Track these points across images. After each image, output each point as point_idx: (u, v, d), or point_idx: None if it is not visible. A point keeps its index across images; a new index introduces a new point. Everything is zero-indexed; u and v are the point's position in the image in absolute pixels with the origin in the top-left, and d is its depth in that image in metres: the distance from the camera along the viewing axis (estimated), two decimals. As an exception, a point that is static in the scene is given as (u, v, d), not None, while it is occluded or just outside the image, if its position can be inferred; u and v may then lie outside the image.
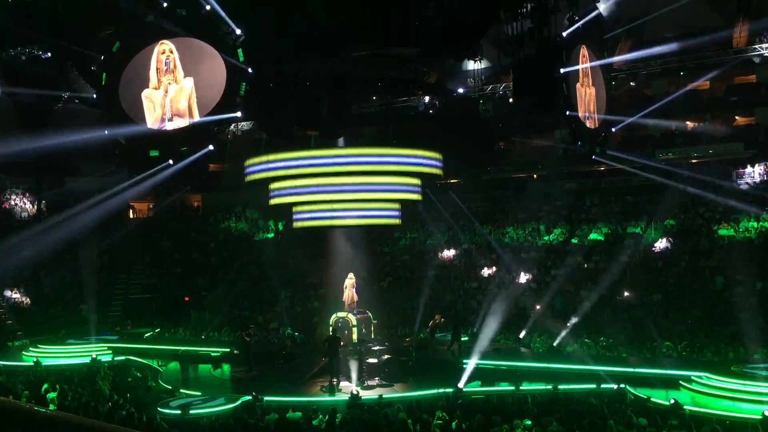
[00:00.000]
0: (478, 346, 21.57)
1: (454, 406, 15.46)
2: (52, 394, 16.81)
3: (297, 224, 22.44)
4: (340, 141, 22.77)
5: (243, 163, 22.34)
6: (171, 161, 20.30)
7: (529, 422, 12.83)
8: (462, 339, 23.55)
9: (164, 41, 20.41)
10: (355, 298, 22.61)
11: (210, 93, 19.85)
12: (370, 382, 19.65)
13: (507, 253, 31.78)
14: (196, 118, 19.74)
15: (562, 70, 21.24)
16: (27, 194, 37.22)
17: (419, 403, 15.52)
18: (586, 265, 29.27)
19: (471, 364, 19.75)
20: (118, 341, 26.78)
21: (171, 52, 20.34)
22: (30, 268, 31.84)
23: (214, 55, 19.52)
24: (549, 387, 17.05)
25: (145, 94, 20.66)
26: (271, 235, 37.55)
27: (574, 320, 25.45)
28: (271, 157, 21.23)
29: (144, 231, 36.65)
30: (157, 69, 20.53)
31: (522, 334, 24.94)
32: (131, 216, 39.59)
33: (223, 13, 19.34)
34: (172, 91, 20.13)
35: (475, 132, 25.96)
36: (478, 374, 19.43)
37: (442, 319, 24.41)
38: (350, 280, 22.65)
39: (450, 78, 34.23)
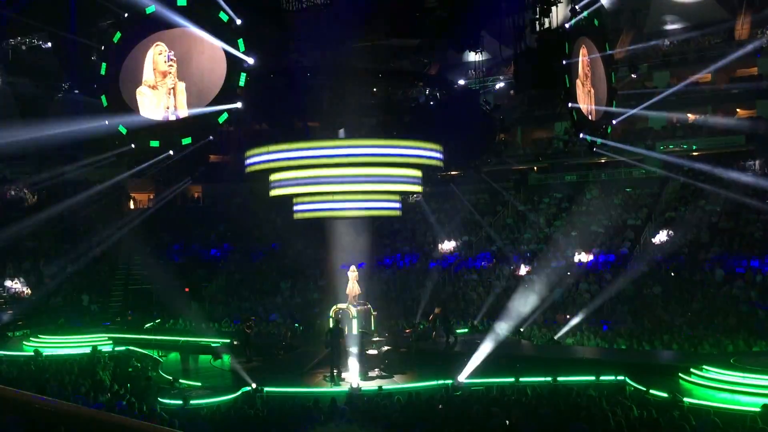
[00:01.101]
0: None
1: (453, 397, 15.49)
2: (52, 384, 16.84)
3: (298, 215, 22.44)
4: (341, 132, 22.74)
5: (244, 154, 22.30)
6: (171, 152, 20.32)
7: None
8: (458, 331, 23.53)
9: (159, 43, 20.45)
10: (358, 290, 22.63)
11: (210, 84, 19.83)
12: (370, 374, 19.68)
13: (507, 245, 31.81)
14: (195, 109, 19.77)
15: (564, 62, 21.18)
16: (27, 183, 37.20)
17: (419, 395, 15.55)
18: None
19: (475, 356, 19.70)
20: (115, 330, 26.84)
21: (168, 52, 20.38)
22: (30, 257, 31.89)
23: (214, 46, 19.50)
24: (548, 379, 17.08)
25: (141, 91, 20.72)
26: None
27: (573, 312, 25.54)
28: (272, 148, 21.19)
29: (144, 221, 36.67)
30: (153, 69, 20.55)
31: (522, 327, 24.97)
32: (132, 206, 39.59)
33: (223, 3, 19.29)
34: (171, 89, 20.18)
35: (475, 124, 25.91)
36: (478, 366, 19.45)
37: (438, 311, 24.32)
38: (353, 273, 22.64)
39: (451, 69, 34.18)
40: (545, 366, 18.92)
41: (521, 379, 17.60)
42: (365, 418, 13.52)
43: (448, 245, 32.95)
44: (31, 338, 25.62)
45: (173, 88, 20.33)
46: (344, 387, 18.08)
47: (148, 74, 20.62)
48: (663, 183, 33.00)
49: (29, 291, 31.01)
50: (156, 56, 20.57)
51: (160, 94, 20.57)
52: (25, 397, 3.15)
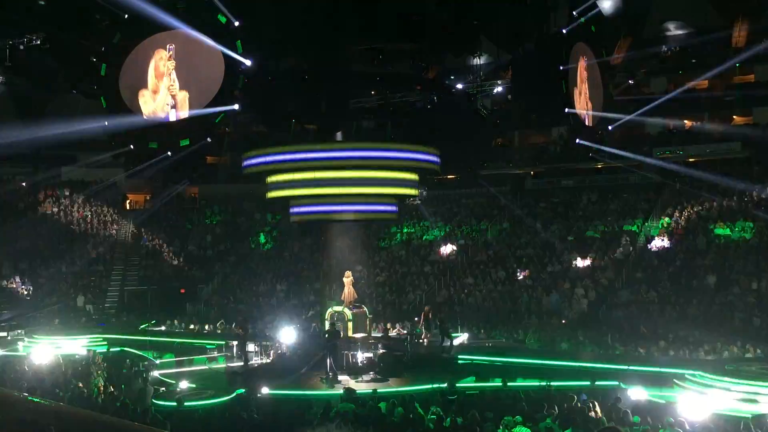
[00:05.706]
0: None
1: (448, 401, 15.47)
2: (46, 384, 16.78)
3: (294, 218, 22.43)
4: (338, 135, 22.77)
5: (241, 156, 22.31)
6: (170, 153, 20.38)
7: (520, 418, 12.85)
8: (454, 335, 23.50)
9: (160, 49, 20.58)
10: (355, 295, 22.61)
11: (208, 86, 19.89)
12: (365, 377, 19.66)
13: (504, 249, 31.82)
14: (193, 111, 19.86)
15: (561, 68, 21.27)
16: (24, 184, 37.14)
17: (413, 398, 15.53)
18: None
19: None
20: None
21: (168, 59, 20.50)
22: (27, 258, 31.83)
23: (213, 49, 19.56)
24: (543, 383, 17.08)
25: (143, 93, 20.83)
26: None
27: (568, 317, 25.57)
28: (269, 150, 21.20)
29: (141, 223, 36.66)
30: (155, 75, 20.68)
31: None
32: (128, 207, 39.53)
33: (222, 6, 19.34)
34: (171, 93, 20.32)
35: (473, 128, 26.00)
36: (473, 370, 19.45)
37: (430, 313, 24.25)
38: (348, 278, 22.62)
39: (449, 74, 34.24)
40: (540, 370, 18.93)
41: (516, 384, 17.60)
42: (359, 421, 13.51)
43: (444, 249, 32.97)
44: (25, 338, 25.56)
45: (171, 86, 20.44)
46: (338, 389, 18.06)
47: (150, 79, 20.75)
48: (659, 189, 33.09)
49: (26, 291, 30.92)
50: (157, 62, 20.70)
51: (161, 97, 20.69)
52: (18, 398, 3.15)
